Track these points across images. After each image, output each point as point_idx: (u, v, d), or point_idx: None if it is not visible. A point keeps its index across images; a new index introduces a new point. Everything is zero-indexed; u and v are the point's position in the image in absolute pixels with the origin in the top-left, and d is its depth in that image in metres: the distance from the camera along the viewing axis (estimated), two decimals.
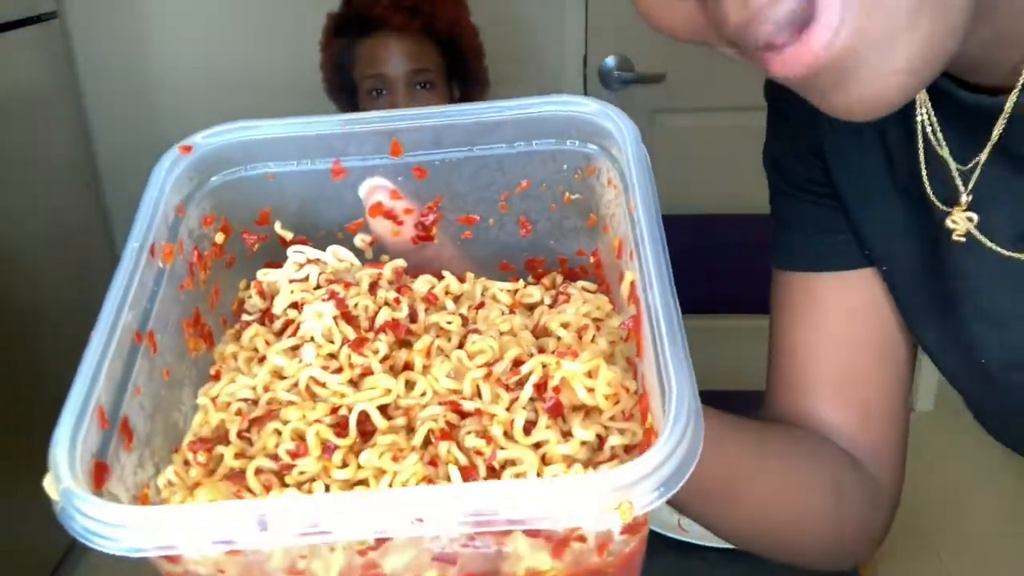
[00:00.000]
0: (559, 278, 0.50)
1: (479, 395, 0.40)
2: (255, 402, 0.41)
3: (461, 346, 0.43)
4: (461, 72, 1.56)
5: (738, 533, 0.60)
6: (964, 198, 0.52)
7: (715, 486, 0.52)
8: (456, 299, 0.47)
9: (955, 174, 0.53)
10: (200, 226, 0.47)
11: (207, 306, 0.46)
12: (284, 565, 0.34)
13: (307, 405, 0.39)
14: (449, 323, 0.44)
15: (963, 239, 0.53)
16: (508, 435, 0.38)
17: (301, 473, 0.37)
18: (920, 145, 0.54)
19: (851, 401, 0.61)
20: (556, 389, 0.39)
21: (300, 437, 0.38)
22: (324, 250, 0.49)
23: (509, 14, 2.08)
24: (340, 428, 0.38)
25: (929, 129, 0.53)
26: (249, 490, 0.37)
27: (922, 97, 0.54)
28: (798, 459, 0.59)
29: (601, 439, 0.38)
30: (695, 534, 1.03)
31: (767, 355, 0.65)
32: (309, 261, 0.47)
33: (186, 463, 0.39)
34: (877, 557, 1.28)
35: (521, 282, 0.50)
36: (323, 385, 0.40)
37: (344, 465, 0.37)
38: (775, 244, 0.64)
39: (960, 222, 0.53)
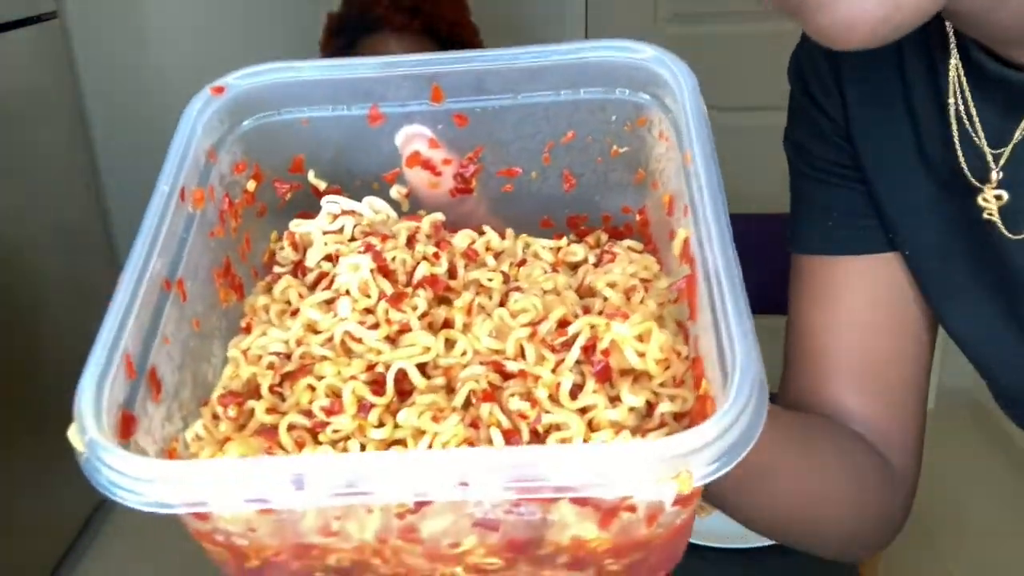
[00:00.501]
0: (603, 236, 0.48)
1: (523, 356, 0.38)
2: (287, 356, 0.39)
3: (502, 304, 0.41)
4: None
5: (760, 520, 0.58)
6: (994, 175, 0.52)
7: (741, 472, 0.51)
8: (497, 256, 0.45)
9: (986, 150, 0.52)
10: (231, 172, 0.45)
11: (238, 256, 0.45)
12: (317, 525, 0.33)
13: (342, 361, 0.37)
14: (490, 280, 0.42)
15: (993, 217, 0.52)
16: (553, 398, 0.36)
17: (335, 431, 0.36)
18: (953, 121, 0.53)
19: (872, 387, 0.60)
20: (605, 352, 0.37)
21: (335, 394, 0.36)
22: (359, 201, 0.47)
23: (509, 14, 2.08)
24: (377, 386, 0.36)
25: (962, 105, 0.53)
26: (281, 447, 0.36)
27: (956, 71, 0.53)
28: (820, 446, 0.58)
29: (651, 405, 0.36)
30: (694, 534, 1.01)
31: (784, 343, 0.63)
32: (344, 212, 0.45)
33: (215, 417, 0.38)
34: (877, 556, 1.26)
35: (564, 239, 0.47)
36: (359, 341, 0.38)
37: (380, 424, 0.36)
38: (796, 229, 0.62)
39: (991, 200, 0.52)
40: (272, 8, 2.16)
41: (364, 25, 1.49)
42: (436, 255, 0.43)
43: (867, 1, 0.40)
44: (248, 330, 0.42)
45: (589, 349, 0.37)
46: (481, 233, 0.47)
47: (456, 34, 1.52)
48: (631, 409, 0.36)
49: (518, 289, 0.42)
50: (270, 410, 0.37)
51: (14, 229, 1.93)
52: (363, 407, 0.36)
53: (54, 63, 2.14)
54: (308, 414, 0.36)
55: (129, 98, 2.26)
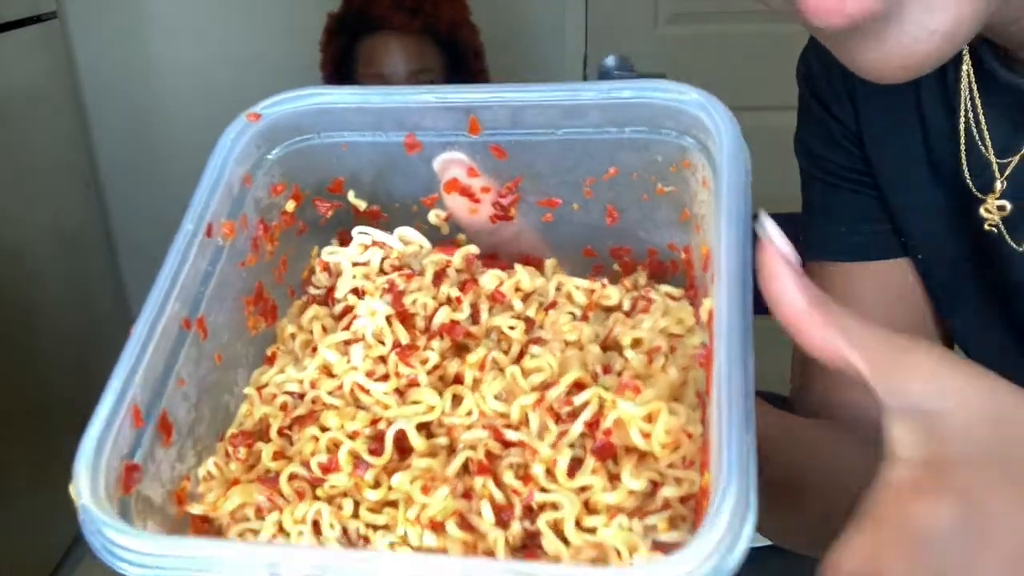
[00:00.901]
0: (642, 278, 0.46)
1: (527, 422, 0.37)
2: (301, 396, 0.39)
3: (520, 357, 0.40)
4: (461, 72, 1.53)
5: (796, 534, 0.57)
6: (997, 185, 0.52)
7: (774, 491, 0.49)
8: (526, 296, 0.44)
9: (992, 160, 0.52)
10: (268, 195, 0.45)
11: (272, 279, 0.45)
12: None
13: (348, 412, 0.38)
14: (512, 328, 0.41)
15: (995, 229, 0.52)
16: (551, 473, 0.35)
17: (332, 487, 0.36)
18: (961, 128, 0.53)
19: None
20: (607, 432, 0.35)
21: (336, 447, 0.37)
22: (398, 224, 0.47)
23: (509, 14, 2.02)
24: (378, 443, 0.37)
25: (971, 113, 0.52)
26: (282, 494, 0.36)
27: (967, 78, 0.52)
28: (845, 453, 0.56)
29: (655, 485, 0.35)
30: None
31: (794, 348, 0.61)
32: (374, 243, 0.45)
33: (228, 455, 0.39)
34: None
35: (600, 282, 0.46)
36: (367, 392, 0.38)
37: (376, 485, 0.36)
38: (810, 235, 0.61)
39: (994, 211, 0.53)
40: (272, 8, 2.14)
41: (364, 25, 1.49)
42: (459, 300, 0.42)
43: (915, 40, 0.39)
44: (272, 360, 0.42)
45: (594, 424, 0.36)
46: (524, 261, 0.46)
47: (456, 34, 1.51)
48: (630, 492, 0.35)
49: (539, 341, 0.41)
50: (277, 455, 0.38)
51: (14, 229, 1.95)
52: (360, 464, 0.36)
53: (54, 63, 2.13)
54: (309, 465, 0.37)
55: (129, 98, 2.27)
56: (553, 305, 0.44)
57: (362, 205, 0.48)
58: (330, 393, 0.39)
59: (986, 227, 0.53)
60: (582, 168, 0.45)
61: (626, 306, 0.44)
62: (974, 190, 0.53)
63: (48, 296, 2.08)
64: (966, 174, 0.53)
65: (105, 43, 2.28)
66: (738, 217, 0.35)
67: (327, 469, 0.36)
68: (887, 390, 0.31)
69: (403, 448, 0.37)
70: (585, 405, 0.37)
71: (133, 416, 0.35)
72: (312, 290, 0.46)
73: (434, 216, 0.48)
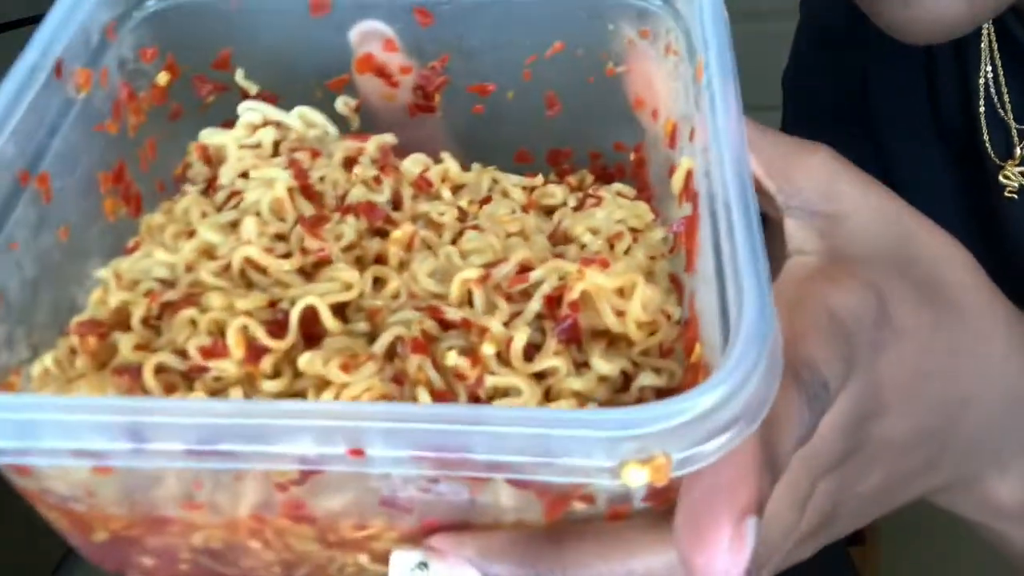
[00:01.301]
0: (589, 178, 0.40)
1: (470, 303, 0.30)
2: (173, 284, 0.31)
3: (454, 244, 0.33)
4: None
5: None
6: (1018, 151, 0.51)
7: None
8: (456, 190, 0.37)
9: (1013, 126, 0.52)
10: (136, 58, 0.36)
11: (137, 162, 0.36)
12: (175, 493, 0.25)
13: (238, 293, 0.29)
14: (442, 214, 0.34)
15: (1015, 196, 0.52)
16: (503, 358, 0.28)
17: (217, 379, 0.27)
18: (980, 89, 0.52)
19: None
20: (574, 305, 0.28)
21: (220, 331, 0.28)
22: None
23: None
24: (277, 327, 0.28)
25: (991, 76, 0.52)
26: (145, 392, 0.27)
27: (987, 39, 0.52)
28: None
29: (627, 377, 0.28)
30: None
31: None
32: (267, 122, 0.37)
33: (72, 351, 0.29)
34: (877, 552, 1.19)
35: (540, 177, 0.39)
36: (264, 272, 0.30)
37: (276, 375, 0.27)
38: None
39: (1014, 176, 0.52)
40: None
41: None
42: (377, 180, 0.35)
43: (951, 5, 0.39)
44: (134, 251, 0.33)
45: (554, 303, 0.29)
46: (438, 161, 0.39)
47: None
48: (602, 379, 0.28)
49: (476, 228, 0.34)
50: (139, 347, 0.29)
51: None
52: (255, 351, 0.27)
53: None
54: (185, 355, 0.28)
55: None
56: (487, 201, 0.37)
57: (252, 88, 0.39)
58: (214, 275, 0.30)
59: (1006, 194, 0.51)
60: (523, 43, 0.38)
61: (572, 204, 0.38)
62: (993, 155, 0.52)
63: None
64: (985, 138, 0.52)
65: None
66: (727, 45, 0.30)
67: (209, 354, 0.27)
68: (781, 190, 0.31)
69: (310, 335, 0.29)
70: (541, 283, 0.30)
71: None
72: (188, 186, 0.38)
73: (342, 103, 0.40)
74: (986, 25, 0.51)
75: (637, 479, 0.20)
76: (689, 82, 0.32)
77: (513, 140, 0.41)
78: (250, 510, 0.25)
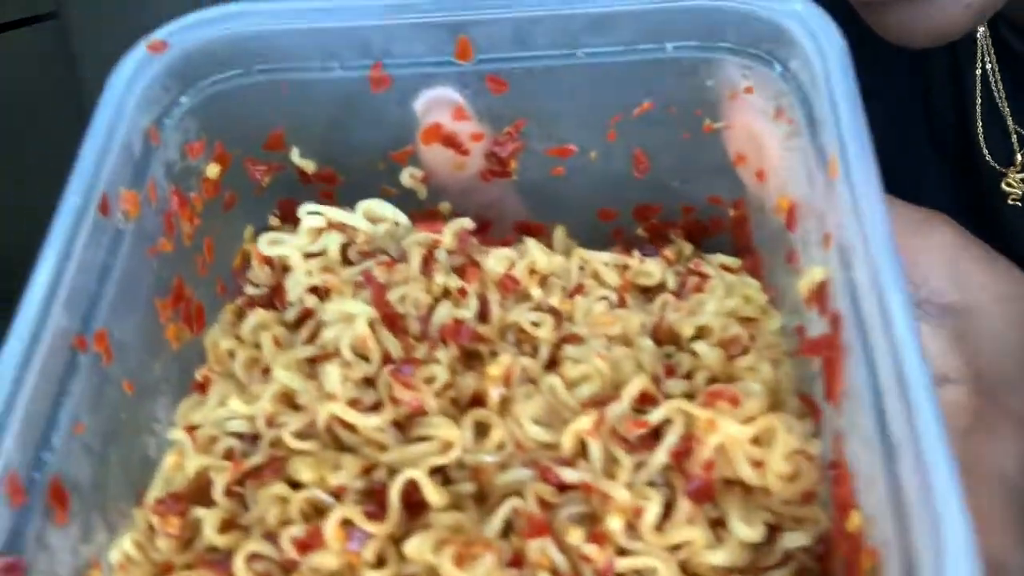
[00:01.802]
0: (687, 248, 0.36)
1: (584, 454, 0.26)
2: (254, 438, 0.28)
3: (553, 363, 0.30)
4: None
5: None
6: (1019, 158, 0.50)
7: None
8: (543, 280, 0.33)
9: (1012, 132, 0.51)
10: (183, 156, 0.33)
11: (195, 271, 0.33)
12: None
13: (327, 459, 0.26)
14: (537, 324, 0.31)
15: (1020, 203, 0.51)
16: (632, 527, 0.25)
17: (315, 571, 0.25)
18: (978, 100, 0.52)
19: None
20: (708, 465, 0.25)
21: (315, 510, 0.26)
22: (360, 190, 0.35)
23: None
24: (375, 505, 0.25)
25: (992, 83, 0.51)
26: None
27: (982, 44, 0.51)
28: None
29: (770, 527, 0.25)
30: None
31: None
32: (331, 225, 0.33)
33: (152, 529, 0.27)
34: None
35: (635, 255, 0.35)
36: (353, 429, 0.27)
37: (379, 563, 0.25)
38: None
39: (1015, 184, 0.51)
40: None
41: None
42: (463, 292, 0.31)
43: (948, 8, 0.38)
44: (204, 388, 0.30)
45: (678, 454, 0.26)
46: (520, 231, 0.35)
47: None
48: (743, 544, 0.25)
49: (575, 338, 0.31)
50: (226, 526, 0.26)
51: (13, 229, 1.87)
52: (354, 535, 0.25)
53: (54, 63, 2.10)
54: (277, 539, 0.25)
55: None
56: (579, 290, 0.34)
57: (310, 167, 0.36)
58: (297, 434, 0.27)
59: (1010, 201, 0.50)
60: (606, 102, 0.34)
61: (671, 284, 0.34)
62: (993, 163, 0.51)
63: None
64: (982, 146, 0.51)
65: (105, 43, 2.13)
66: (865, 136, 0.26)
67: (305, 546, 0.25)
68: (909, 280, 0.28)
69: (412, 504, 0.26)
70: (663, 425, 0.26)
71: (9, 490, 0.23)
72: (249, 289, 0.34)
73: (408, 176, 0.36)
74: (980, 33, 0.51)
75: None
76: (813, 165, 0.28)
77: (595, 198, 0.37)
78: None
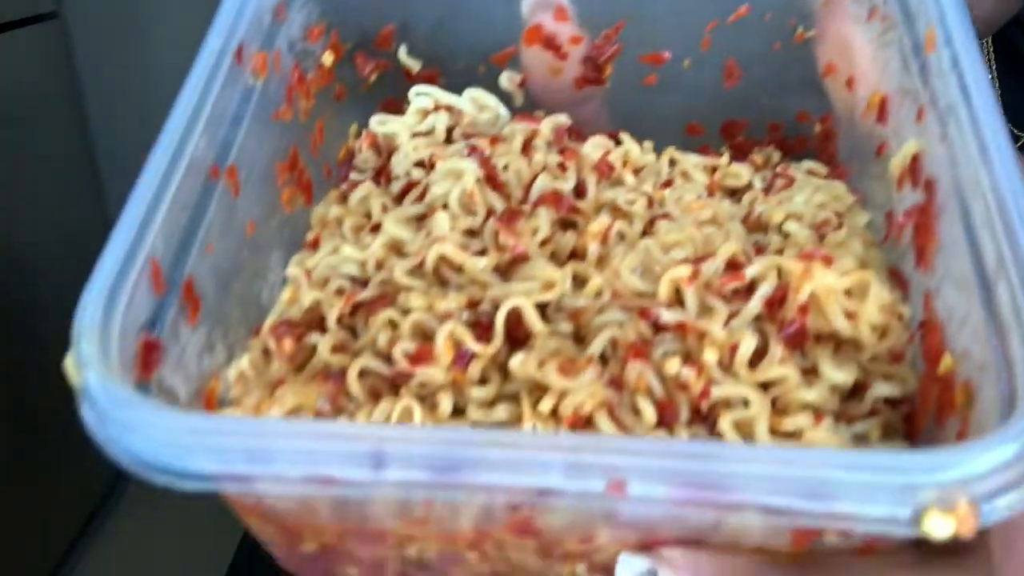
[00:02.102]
0: (775, 155, 0.37)
1: (679, 303, 0.28)
2: (363, 283, 0.30)
3: (647, 234, 0.31)
4: None
5: None
6: None
7: None
8: (636, 172, 0.35)
9: (1011, 131, 0.53)
10: (303, 37, 0.35)
11: (308, 147, 0.35)
12: (394, 509, 0.24)
13: (435, 293, 0.28)
14: (631, 203, 0.32)
15: None
16: (725, 366, 0.26)
17: (423, 385, 0.26)
18: None
19: None
20: (803, 309, 0.26)
21: (423, 335, 0.27)
22: (459, 89, 0.37)
23: None
24: (481, 329, 0.27)
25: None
26: (350, 397, 0.27)
27: (987, 45, 0.52)
28: None
29: (857, 384, 0.26)
30: None
31: None
32: (438, 107, 0.35)
33: (266, 352, 0.29)
34: None
35: (724, 157, 0.37)
36: (459, 269, 0.29)
37: (483, 381, 0.26)
38: None
39: None
40: None
41: None
42: (562, 166, 0.33)
43: None
44: (315, 245, 0.32)
45: (771, 304, 0.27)
46: (616, 141, 0.37)
47: None
48: (834, 388, 0.26)
49: (666, 217, 0.32)
50: (337, 348, 0.28)
51: (13, 229, 1.87)
52: (461, 356, 0.26)
53: (54, 63, 2.11)
54: (387, 358, 0.27)
55: (129, 98, 2.19)
56: (668, 184, 0.35)
57: (415, 66, 0.38)
58: (407, 273, 0.29)
59: None
60: (705, 7, 0.36)
61: (759, 185, 0.35)
62: None
63: (48, 296, 2.05)
64: None
65: (105, 43, 2.19)
66: (974, 48, 0.27)
67: (416, 359, 0.26)
68: None
69: (513, 338, 0.27)
70: (758, 280, 0.28)
71: (152, 275, 0.25)
72: (355, 175, 0.36)
73: (506, 79, 0.38)
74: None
75: (941, 530, 0.18)
76: (908, 52, 0.30)
77: (683, 113, 0.39)
78: (474, 525, 0.24)
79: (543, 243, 0.30)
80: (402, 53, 0.38)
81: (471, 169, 0.31)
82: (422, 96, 0.36)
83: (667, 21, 0.36)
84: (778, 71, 0.37)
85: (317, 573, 0.29)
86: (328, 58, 0.36)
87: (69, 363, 0.22)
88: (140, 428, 0.21)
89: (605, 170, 0.34)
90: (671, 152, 0.36)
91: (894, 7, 0.31)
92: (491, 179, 0.31)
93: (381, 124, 0.36)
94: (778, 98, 0.38)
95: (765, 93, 0.38)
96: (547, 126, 0.35)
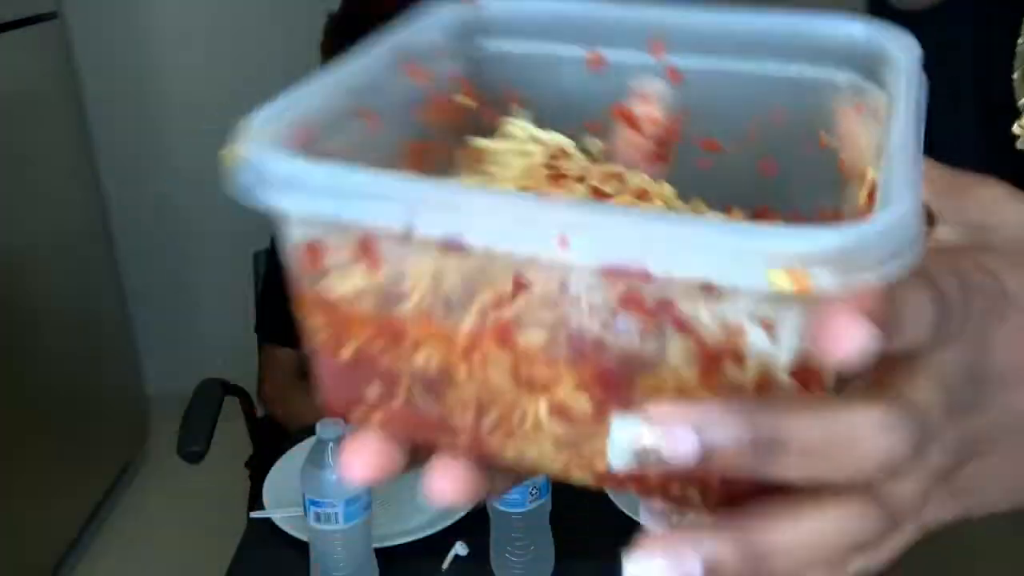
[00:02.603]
0: None
1: None
2: None
3: None
4: None
5: None
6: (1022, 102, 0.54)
7: None
8: None
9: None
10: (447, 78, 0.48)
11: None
12: (416, 305, 0.32)
13: None
14: None
15: None
16: None
17: None
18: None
19: None
20: None
21: None
22: None
23: None
24: None
25: None
26: None
27: None
28: None
29: None
30: None
31: None
32: (531, 138, 0.46)
33: None
34: None
35: None
36: None
37: None
38: None
39: (1019, 131, 0.55)
40: (272, 9, 2.20)
41: (364, 25, 1.52)
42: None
43: None
44: None
45: None
46: None
47: None
48: None
49: None
50: None
51: (13, 229, 1.94)
52: None
53: (54, 63, 2.16)
54: None
55: (129, 98, 2.27)
56: None
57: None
58: None
59: (1018, 145, 0.54)
60: (752, 105, 0.46)
61: None
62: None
63: (48, 296, 2.05)
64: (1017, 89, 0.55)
65: (105, 43, 2.28)
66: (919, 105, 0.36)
67: None
68: (945, 208, 0.34)
69: None
70: None
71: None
72: None
73: (592, 144, 0.49)
74: None
75: (782, 282, 0.25)
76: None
77: (725, 197, 0.48)
78: (469, 330, 0.32)
79: None
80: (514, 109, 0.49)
81: None
82: (514, 126, 0.47)
83: (725, 115, 0.46)
84: (810, 170, 0.46)
85: (344, 399, 0.36)
86: (462, 100, 0.48)
87: (227, 152, 0.33)
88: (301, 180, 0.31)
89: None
90: None
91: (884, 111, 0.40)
92: None
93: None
94: (800, 194, 0.46)
95: (795, 187, 0.46)
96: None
